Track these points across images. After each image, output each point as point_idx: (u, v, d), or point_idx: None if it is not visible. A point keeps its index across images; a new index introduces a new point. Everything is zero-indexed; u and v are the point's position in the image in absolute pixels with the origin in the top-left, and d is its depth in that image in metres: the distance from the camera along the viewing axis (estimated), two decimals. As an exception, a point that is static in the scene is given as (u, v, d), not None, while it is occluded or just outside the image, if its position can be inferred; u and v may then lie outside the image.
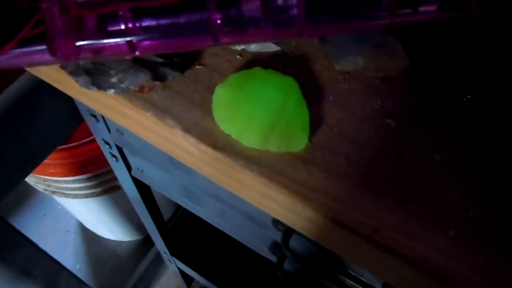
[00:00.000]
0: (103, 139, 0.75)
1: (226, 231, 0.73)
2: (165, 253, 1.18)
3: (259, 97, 0.39)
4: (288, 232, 0.55)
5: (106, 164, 1.02)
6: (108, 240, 1.43)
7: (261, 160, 0.37)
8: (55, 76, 0.42)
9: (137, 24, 0.24)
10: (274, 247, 0.65)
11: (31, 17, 0.24)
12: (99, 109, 0.43)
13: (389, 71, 0.41)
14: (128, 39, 0.25)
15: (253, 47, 0.43)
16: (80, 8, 0.24)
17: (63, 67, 0.40)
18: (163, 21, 0.24)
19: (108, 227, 1.33)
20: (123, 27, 0.24)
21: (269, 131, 0.37)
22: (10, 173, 0.71)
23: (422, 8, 0.23)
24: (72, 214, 1.39)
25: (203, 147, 0.38)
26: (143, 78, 0.39)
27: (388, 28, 0.24)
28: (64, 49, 0.24)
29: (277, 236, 0.60)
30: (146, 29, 0.24)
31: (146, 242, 1.42)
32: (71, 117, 0.77)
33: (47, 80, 0.44)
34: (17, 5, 0.23)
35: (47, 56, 0.25)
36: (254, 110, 0.38)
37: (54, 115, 0.75)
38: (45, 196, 1.46)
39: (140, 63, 0.39)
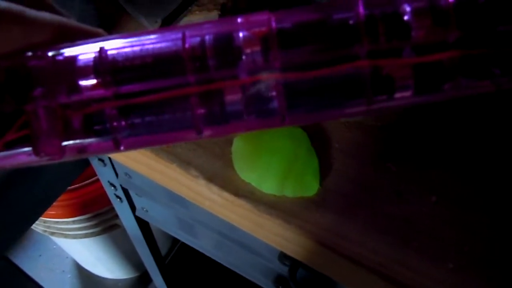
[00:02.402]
0: (108, 181, 0.78)
1: (229, 266, 0.75)
2: (163, 289, 1.18)
3: (273, 147, 0.43)
4: (294, 266, 0.59)
5: (106, 203, 1.04)
6: (105, 278, 1.43)
7: (278, 205, 0.42)
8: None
9: (123, 122, 0.24)
10: (279, 280, 0.69)
11: (15, 120, 0.24)
12: (127, 163, 0.47)
13: (388, 120, 0.46)
14: (114, 136, 0.24)
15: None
16: (66, 109, 0.24)
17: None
18: (148, 118, 0.24)
19: (105, 265, 1.33)
20: (108, 125, 0.24)
21: (284, 178, 0.42)
22: (19, 221, 0.72)
23: (397, 95, 0.24)
24: (69, 253, 1.38)
25: (226, 194, 0.42)
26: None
27: (368, 115, 0.26)
28: (48, 149, 0.24)
29: (281, 269, 0.63)
30: (132, 126, 0.24)
31: (142, 280, 1.42)
32: (77, 161, 0.79)
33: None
34: (3, 109, 0.24)
35: (32, 157, 0.24)
36: (270, 160, 0.43)
37: (61, 162, 0.77)
38: (40, 236, 1.46)
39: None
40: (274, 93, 0.24)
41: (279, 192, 0.42)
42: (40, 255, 1.47)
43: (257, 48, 0.23)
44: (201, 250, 0.77)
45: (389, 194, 0.42)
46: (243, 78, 0.24)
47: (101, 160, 0.71)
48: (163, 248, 1.22)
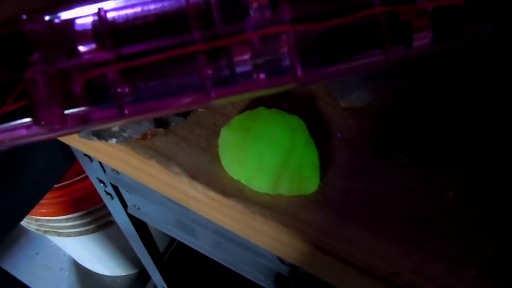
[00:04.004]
0: (97, 177, 0.74)
1: (227, 265, 0.71)
2: (163, 286, 1.16)
3: (266, 138, 0.38)
4: (295, 266, 0.54)
5: (99, 200, 1.01)
6: (103, 276, 1.40)
7: (273, 205, 0.36)
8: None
9: (126, 87, 0.23)
10: (280, 280, 0.64)
11: (13, 89, 0.23)
12: (101, 158, 0.42)
13: (395, 106, 0.40)
14: (118, 102, 0.24)
15: (256, 87, 0.42)
16: (66, 74, 0.23)
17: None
18: (153, 81, 0.23)
19: (103, 263, 1.31)
20: (111, 90, 0.23)
21: (279, 174, 0.36)
22: (5, 219, 0.70)
23: (415, 43, 0.22)
24: (66, 251, 1.36)
25: (212, 193, 0.37)
26: (146, 126, 0.38)
27: (385, 65, 0.24)
28: (49, 118, 0.23)
29: (282, 269, 0.59)
30: (136, 91, 0.23)
31: (141, 276, 1.39)
32: (64, 157, 0.76)
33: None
34: (0, 78, 0.23)
35: (33, 129, 0.24)
36: (262, 153, 0.37)
37: (47, 157, 0.74)
38: (36, 235, 1.43)
39: (142, 110, 0.38)
40: (285, 48, 0.22)
41: (273, 191, 0.36)
42: (37, 253, 1.45)
43: (265, 1, 0.22)
44: (197, 249, 0.74)
45: (399, 190, 0.37)
46: (251, 33, 0.22)
47: (87, 155, 0.67)
48: (161, 244, 1.18)
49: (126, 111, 0.24)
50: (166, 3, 0.22)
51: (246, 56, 0.22)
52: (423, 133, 0.40)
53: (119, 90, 0.23)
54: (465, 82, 0.42)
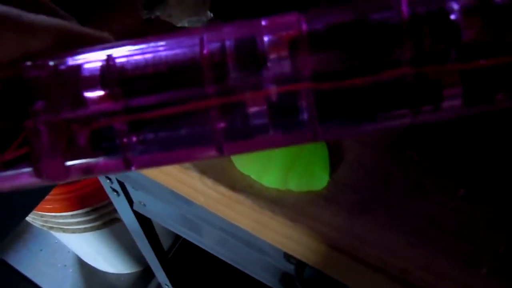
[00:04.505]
0: (104, 174, 0.74)
1: (232, 263, 0.71)
2: (167, 285, 1.16)
3: (276, 134, 0.38)
4: (301, 264, 0.54)
5: (105, 197, 1.01)
6: (107, 273, 1.40)
7: (282, 201, 0.36)
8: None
9: (134, 138, 0.22)
10: (285, 278, 0.64)
11: (15, 137, 0.22)
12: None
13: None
14: (124, 154, 0.22)
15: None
16: (70, 124, 0.22)
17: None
18: (162, 133, 0.22)
19: (107, 260, 1.31)
20: (118, 142, 0.22)
21: (289, 170, 0.36)
22: (10, 214, 0.70)
23: (445, 104, 0.21)
24: (70, 248, 1.36)
25: (221, 188, 0.37)
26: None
27: (409, 125, 0.22)
28: (51, 170, 0.22)
29: (288, 268, 0.59)
30: (144, 143, 0.22)
31: (145, 274, 1.39)
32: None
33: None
34: (1, 125, 0.22)
35: (34, 179, 0.22)
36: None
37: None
38: (41, 231, 1.43)
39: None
40: (304, 104, 0.21)
41: (282, 186, 0.36)
42: (41, 250, 1.46)
43: (285, 54, 0.21)
44: (203, 247, 0.74)
45: (410, 187, 0.37)
46: (268, 88, 0.21)
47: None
48: (166, 242, 1.19)
49: (132, 164, 0.23)
50: (179, 51, 0.21)
51: (262, 110, 0.21)
52: (434, 130, 0.39)
53: (126, 141, 0.22)
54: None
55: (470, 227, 0.35)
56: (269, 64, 0.21)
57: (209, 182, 0.37)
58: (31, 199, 0.74)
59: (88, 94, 0.22)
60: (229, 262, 0.72)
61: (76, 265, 1.43)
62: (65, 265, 1.43)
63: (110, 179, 0.74)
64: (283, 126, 0.22)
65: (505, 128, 0.39)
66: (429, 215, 0.35)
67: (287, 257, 0.55)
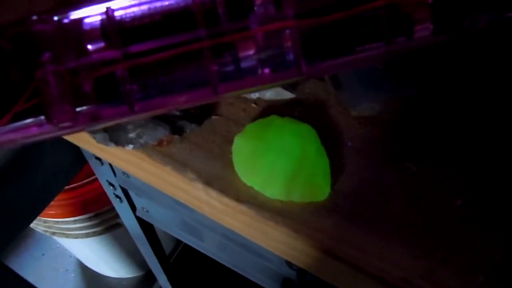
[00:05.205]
0: (107, 180, 0.75)
1: (234, 268, 0.72)
2: (168, 289, 1.16)
3: (279, 146, 0.39)
4: (303, 271, 0.55)
5: (107, 203, 1.01)
6: (109, 277, 1.41)
7: (285, 211, 0.37)
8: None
9: (135, 84, 0.24)
10: (287, 284, 0.65)
11: (25, 88, 0.23)
12: (118, 164, 0.43)
13: (405, 115, 0.41)
14: (127, 99, 0.24)
15: (268, 95, 0.43)
16: (75, 73, 0.23)
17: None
18: (161, 78, 0.24)
19: (109, 264, 1.31)
20: (120, 88, 0.24)
21: (291, 181, 0.37)
22: (16, 220, 0.71)
23: (416, 35, 0.23)
24: (72, 253, 1.36)
25: (226, 200, 0.38)
26: (162, 132, 0.39)
27: (386, 57, 0.24)
28: (61, 116, 0.24)
29: (290, 274, 0.60)
30: (145, 87, 0.24)
31: (147, 278, 1.40)
32: (74, 160, 0.77)
33: (66, 137, 0.44)
34: (11, 78, 0.23)
35: (45, 127, 0.24)
36: (275, 161, 0.38)
37: (58, 159, 0.74)
38: (43, 235, 1.44)
39: (158, 118, 0.39)
40: (289, 43, 0.23)
41: (285, 197, 0.37)
42: (43, 254, 1.46)
43: None
44: (205, 252, 0.74)
45: (409, 198, 0.38)
46: (256, 29, 0.23)
47: (98, 158, 0.68)
48: (168, 246, 1.19)
49: (135, 108, 0.24)
50: (172, 1, 0.23)
51: (251, 52, 0.23)
52: (432, 141, 0.41)
53: (128, 87, 0.24)
54: (474, 91, 0.43)
55: (467, 237, 0.36)
56: (255, 8, 0.22)
57: (213, 193, 0.38)
58: (35, 205, 0.74)
59: (91, 44, 0.23)
60: (230, 267, 0.72)
61: (78, 270, 1.44)
62: (67, 270, 1.44)
63: (113, 185, 0.75)
64: (271, 64, 0.23)
65: (502, 139, 0.40)
66: (428, 225, 0.36)
67: (289, 263, 0.56)
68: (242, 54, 0.23)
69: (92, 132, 0.40)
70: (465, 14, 0.22)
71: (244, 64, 0.23)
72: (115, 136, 0.39)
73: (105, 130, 0.39)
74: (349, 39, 0.23)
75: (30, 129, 0.24)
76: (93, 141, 0.40)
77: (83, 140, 0.42)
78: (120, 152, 0.41)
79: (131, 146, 0.39)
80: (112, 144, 0.40)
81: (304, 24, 0.22)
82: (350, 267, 0.35)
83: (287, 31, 0.23)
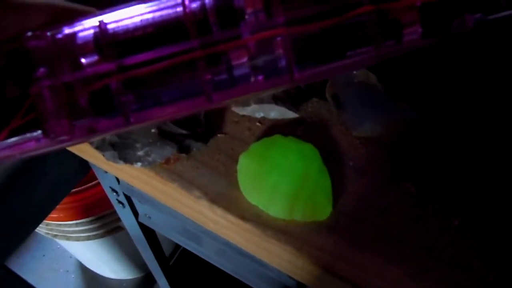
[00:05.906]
0: (110, 187, 0.76)
1: (233, 274, 0.73)
2: (168, 291, 1.17)
3: (282, 166, 0.40)
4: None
5: (109, 206, 1.02)
6: (109, 279, 1.42)
7: (287, 230, 0.39)
8: (83, 148, 0.43)
9: (130, 95, 0.24)
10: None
11: (21, 104, 0.24)
12: (127, 179, 0.44)
13: (405, 137, 0.43)
14: (123, 111, 0.24)
15: (272, 114, 0.44)
16: (71, 87, 0.24)
17: (90, 142, 0.41)
18: (155, 89, 0.24)
19: (109, 266, 1.32)
20: (116, 100, 0.24)
21: (294, 201, 0.39)
22: (20, 227, 0.71)
23: (405, 38, 0.24)
24: (72, 254, 1.37)
25: (231, 217, 0.39)
26: (170, 151, 0.40)
27: (376, 61, 0.25)
28: (58, 129, 0.24)
29: (290, 283, 0.61)
30: (140, 99, 0.24)
31: (147, 280, 1.41)
32: (78, 167, 0.78)
33: (75, 152, 0.45)
34: (6, 94, 0.24)
35: (42, 141, 0.24)
36: (278, 181, 0.39)
37: (62, 167, 0.75)
38: (43, 237, 1.44)
39: (165, 136, 0.41)
40: (280, 50, 0.23)
41: (288, 216, 0.39)
42: (44, 255, 1.47)
43: (259, 6, 0.23)
44: (205, 258, 0.75)
45: (408, 218, 0.39)
46: (247, 37, 0.23)
47: (102, 166, 0.69)
48: (168, 249, 1.20)
49: (131, 119, 0.25)
50: (164, 13, 0.23)
51: (244, 60, 0.23)
52: (430, 163, 0.42)
53: (123, 99, 0.24)
54: (472, 115, 0.44)
55: (463, 257, 0.37)
56: (246, 17, 0.23)
57: (218, 211, 0.40)
58: (39, 213, 0.75)
59: (85, 58, 0.24)
60: (229, 273, 0.73)
61: (79, 271, 1.44)
62: (67, 271, 1.45)
63: (116, 191, 0.76)
64: (263, 72, 0.24)
65: (499, 162, 0.42)
66: (425, 246, 0.38)
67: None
68: (234, 62, 0.24)
69: (102, 150, 0.41)
70: (453, 15, 0.23)
71: (237, 72, 0.24)
72: (124, 154, 0.41)
73: (114, 148, 0.41)
74: (339, 45, 0.24)
75: (27, 144, 0.24)
76: (103, 158, 0.41)
77: (93, 156, 0.44)
78: (129, 169, 0.42)
79: (139, 163, 0.41)
80: (121, 162, 0.41)
81: (295, 31, 0.23)
82: (350, 285, 0.37)
83: (278, 39, 0.23)
